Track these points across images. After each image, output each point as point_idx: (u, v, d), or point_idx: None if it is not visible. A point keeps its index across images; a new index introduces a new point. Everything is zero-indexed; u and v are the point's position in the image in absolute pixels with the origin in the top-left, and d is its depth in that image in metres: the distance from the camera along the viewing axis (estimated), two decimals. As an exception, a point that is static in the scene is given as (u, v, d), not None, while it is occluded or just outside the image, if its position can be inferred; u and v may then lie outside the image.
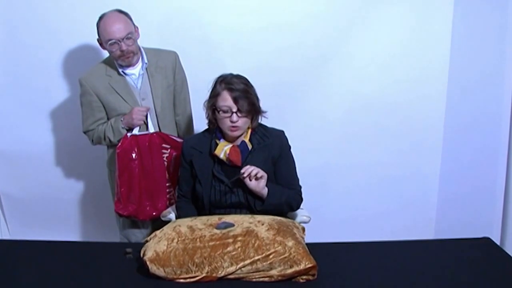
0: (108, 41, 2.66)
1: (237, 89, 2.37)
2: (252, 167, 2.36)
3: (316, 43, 3.27)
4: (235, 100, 2.37)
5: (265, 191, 2.42)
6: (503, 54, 3.21)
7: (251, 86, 2.45)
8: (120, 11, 2.72)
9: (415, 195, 3.50)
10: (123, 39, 2.66)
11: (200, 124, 2.72)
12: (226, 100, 2.38)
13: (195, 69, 3.07)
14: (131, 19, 2.74)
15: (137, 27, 2.78)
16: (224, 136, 2.48)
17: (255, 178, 2.37)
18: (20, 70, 3.28)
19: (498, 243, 2.77)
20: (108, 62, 2.84)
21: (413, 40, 3.28)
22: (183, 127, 3.02)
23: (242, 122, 2.41)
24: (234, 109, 2.37)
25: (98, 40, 2.75)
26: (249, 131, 2.49)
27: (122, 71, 2.80)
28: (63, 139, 3.43)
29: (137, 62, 2.81)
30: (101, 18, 2.70)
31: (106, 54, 2.90)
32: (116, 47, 2.67)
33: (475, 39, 3.28)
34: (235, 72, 2.47)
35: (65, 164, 3.50)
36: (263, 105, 2.48)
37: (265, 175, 2.39)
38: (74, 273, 2.12)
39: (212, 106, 2.43)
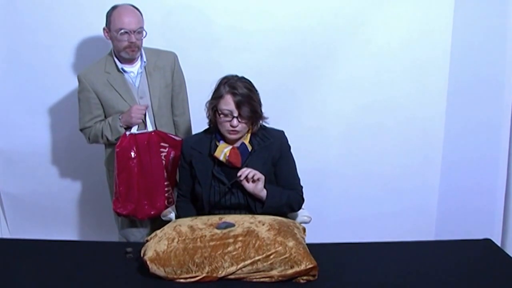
0: (119, 30, 2.69)
1: (240, 93, 2.35)
2: (249, 170, 2.35)
3: (316, 44, 3.27)
4: (237, 105, 2.35)
5: (263, 193, 2.40)
6: (503, 56, 3.20)
7: (255, 91, 2.43)
8: (134, 6, 2.77)
9: (416, 196, 3.50)
10: (135, 31, 2.69)
11: (199, 125, 2.71)
12: (229, 104, 2.36)
13: (194, 70, 3.07)
14: (142, 16, 2.77)
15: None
16: (223, 137, 2.46)
17: (252, 180, 2.36)
18: (19, 69, 3.28)
19: (499, 244, 2.78)
20: (107, 59, 2.85)
21: (412, 43, 3.29)
22: (181, 128, 3.02)
23: (242, 127, 2.40)
24: (235, 114, 2.36)
25: (104, 28, 2.78)
26: (249, 133, 2.47)
27: (121, 68, 2.80)
28: (62, 138, 3.43)
29: (137, 59, 2.83)
30: (114, 8, 2.75)
31: (104, 52, 2.89)
32: (126, 37, 2.70)
33: (475, 38, 3.27)
34: (235, 73, 2.46)
35: (65, 163, 3.49)
36: (263, 105, 2.47)
37: (262, 177, 2.38)
38: (74, 272, 2.12)
39: (214, 107, 2.42)
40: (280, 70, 3.28)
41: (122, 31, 2.69)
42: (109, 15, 2.74)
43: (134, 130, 2.78)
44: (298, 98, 3.35)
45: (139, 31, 2.72)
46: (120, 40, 2.71)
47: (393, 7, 3.23)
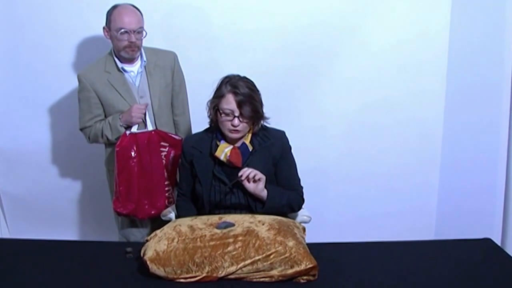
0: (119, 29, 2.69)
1: (242, 93, 2.35)
2: (250, 170, 2.35)
3: (315, 45, 3.27)
4: (239, 105, 2.35)
5: (264, 193, 2.40)
6: (501, 55, 3.19)
7: (257, 91, 2.43)
8: (134, 6, 2.77)
9: (415, 195, 3.49)
10: (135, 31, 2.70)
11: (199, 124, 2.71)
12: (230, 103, 2.36)
13: (194, 69, 3.07)
14: (142, 16, 2.78)
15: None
16: (224, 137, 2.46)
17: (253, 180, 2.36)
18: (19, 68, 3.27)
19: (499, 244, 2.78)
20: (107, 59, 2.84)
21: (410, 43, 3.28)
22: (181, 128, 3.02)
23: (243, 126, 2.40)
24: (237, 113, 2.36)
25: (104, 28, 2.78)
26: (250, 133, 2.47)
27: (122, 68, 2.81)
28: (62, 138, 3.42)
29: (137, 59, 2.83)
30: (115, 7, 2.75)
31: (104, 52, 2.89)
32: (126, 37, 2.70)
33: (473, 38, 3.26)
34: (235, 73, 2.46)
35: (65, 162, 3.49)
36: (263, 104, 2.47)
37: (263, 177, 2.38)
38: (74, 272, 2.12)
39: (215, 106, 2.42)
40: (280, 69, 3.27)
41: (122, 30, 2.69)
42: (109, 14, 2.74)
43: (134, 129, 2.78)
44: (298, 98, 3.34)
45: (139, 31, 2.72)
46: (120, 40, 2.71)
47: (392, 7, 3.22)
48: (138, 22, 2.72)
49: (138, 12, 2.75)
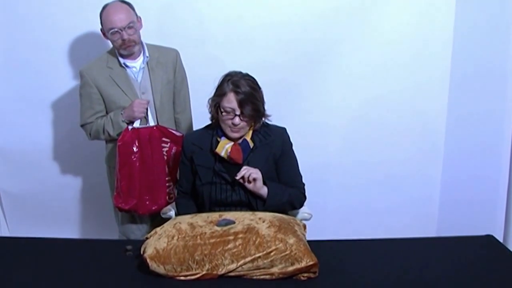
0: (110, 30, 2.68)
1: (243, 92, 2.34)
2: (246, 170, 2.35)
3: (317, 40, 3.25)
4: (240, 104, 2.34)
5: (264, 190, 2.40)
6: (506, 46, 3.18)
7: (259, 89, 2.42)
8: (123, 1, 2.74)
9: (417, 192, 3.49)
10: (124, 28, 2.68)
11: (200, 122, 2.70)
12: (231, 102, 2.35)
13: (196, 66, 3.07)
14: (133, 9, 2.76)
15: (139, 17, 2.79)
16: (225, 133, 2.45)
17: (248, 180, 2.36)
18: (17, 66, 3.27)
19: (501, 240, 2.77)
20: (109, 54, 2.84)
21: (414, 36, 3.27)
22: (182, 125, 3.02)
23: (243, 124, 2.39)
24: (238, 112, 2.35)
25: (101, 29, 2.77)
26: (251, 129, 2.46)
27: (124, 63, 2.80)
28: (61, 136, 3.43)
29: (139, 54, 2.82)
30: (104, 8, 2.73)
31: (104, 48, 2.88)
32: (118, 36, 2.69)
33: (478, 29, 3.25)
34: (237, 69, 2.44)
35: (64, 161, 3.49)
36: (265, 99, 2.46)
37: (259, 176, 2.37)
38: (74, 270, 2.12)
39: (216, 104, 2.41)
40: (281, 64, 3.26)
41: (112, 30, 2.68)
42: (100, 16, 2.73)
43: (136, 124, 2.78)
44: (300, 93, 3.34)
45: (130, 26, 2.69)
46: (114, 40, 2.71)
47: (395, 3, 3.21)
48: (127, 18, 2.69)
49: (126, 6, 2.73)
